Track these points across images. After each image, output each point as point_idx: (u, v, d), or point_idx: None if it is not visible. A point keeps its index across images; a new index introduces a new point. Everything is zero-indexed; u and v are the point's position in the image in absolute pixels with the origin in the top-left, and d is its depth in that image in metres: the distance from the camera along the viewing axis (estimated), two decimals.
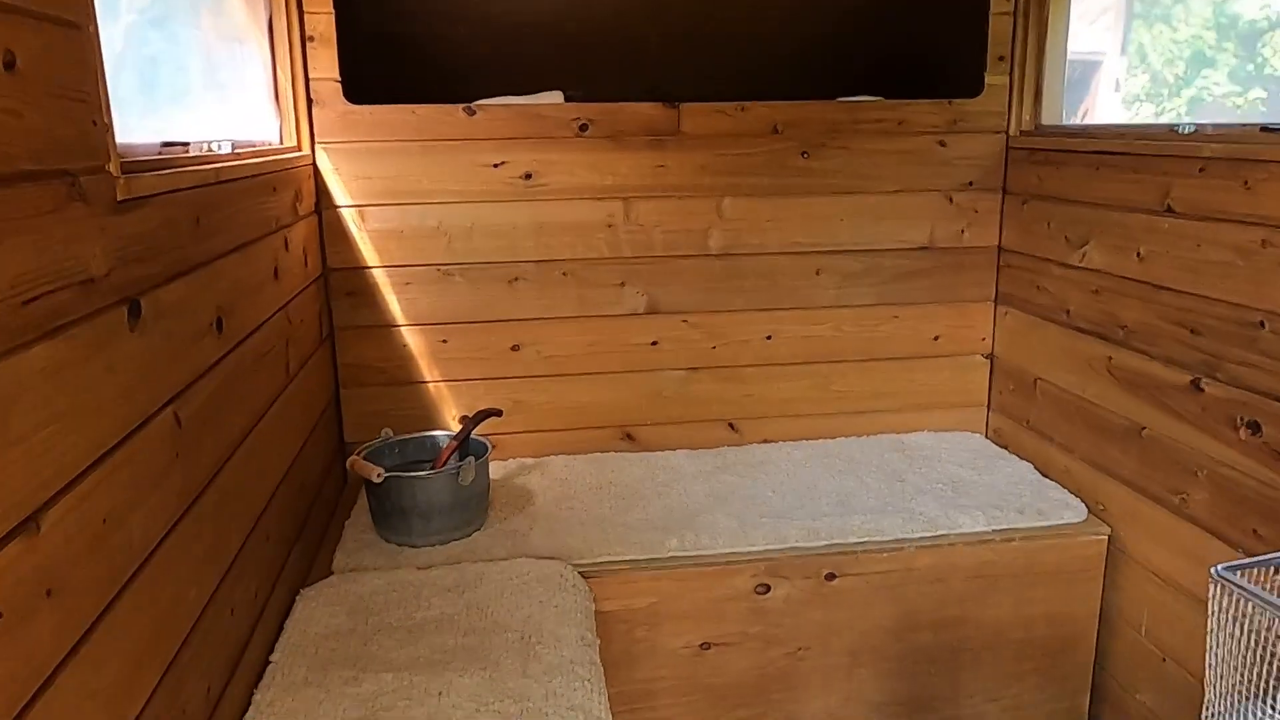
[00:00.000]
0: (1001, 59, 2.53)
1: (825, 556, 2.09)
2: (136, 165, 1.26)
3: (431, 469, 2.17)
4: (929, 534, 2.14)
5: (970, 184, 2.60)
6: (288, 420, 1.94)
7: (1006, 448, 2.61)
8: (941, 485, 2.35)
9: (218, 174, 1.53)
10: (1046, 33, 2.47)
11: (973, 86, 2.56)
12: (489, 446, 2.20)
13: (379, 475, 1.98)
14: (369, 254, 2.41)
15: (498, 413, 2.31)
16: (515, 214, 2.44)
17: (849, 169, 2.54)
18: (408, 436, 2.30)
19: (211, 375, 1.43)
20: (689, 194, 2.50)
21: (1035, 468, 2.45)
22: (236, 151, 1.74)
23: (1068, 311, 2.34)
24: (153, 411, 1.20)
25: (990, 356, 2.72)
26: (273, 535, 1.76)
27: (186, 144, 1.56)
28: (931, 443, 2.65)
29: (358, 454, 2.14)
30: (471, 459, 2.06)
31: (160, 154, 1.44)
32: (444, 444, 2.28)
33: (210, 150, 1.68)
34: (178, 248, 1.33)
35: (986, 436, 2.73)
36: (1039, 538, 2.16)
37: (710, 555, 2.07)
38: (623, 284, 2.53)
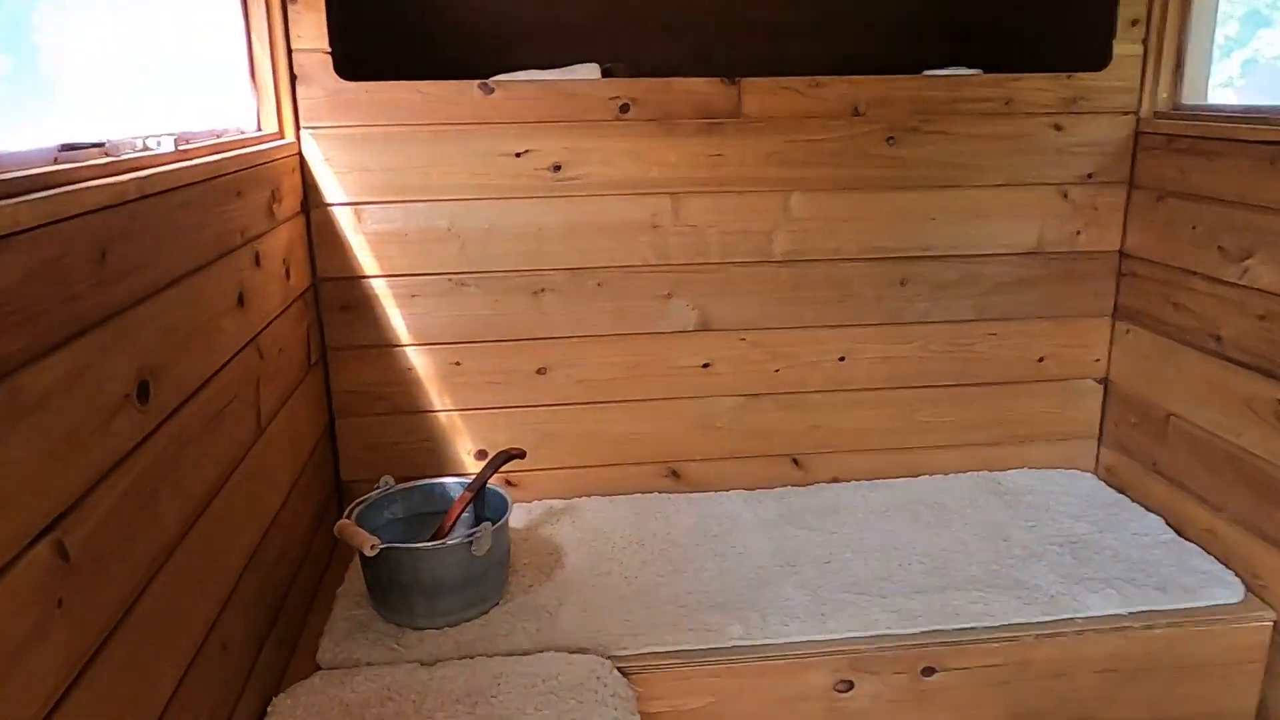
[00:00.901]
0: (1135, 23, 2.07)
1: (922, 647, 1.69)
2: None
3: (438, 530, 1.79)
4: (1049, 618, 1.73)
5: (1089, 176, 2.15)
6: (259, 480, 1.56)
7: (1125, 492, 2.19)
8: (1057, 547, 1.93)
9: (141, 186, 1.13)
10: None
11: (1097, 57, 2.10)
12: (509, 503, 1.80)
13: (372, 548, 1.60)
14: (367, 261, 2.01)
15: (520, 454, 1.92)
16: (542, 212, 2.03)
17: (944, 158, 2.10)
18: (412, 484, 1.91)
19: (126, 468, 1.05)
20: (750, 188, 2.07)
21: (1167, 523, 2.02)
22: (182, 149, 1.34)
23: (1218, 337, 1.90)
24: (10, 556, 0.82)
25: (1105, 381, 2.28)
26: (234, 641, 1.38)
27: (101, 144, 1.16)
28: (1034, 484, 2.23)
29: (349, 514, 1.76)
30: (488, 524, 1.67)
31: (54, 163, 1.04)
32: (455, 493, 1.90)
33: (145, 149, 1.29)
34: (66, 300, 0.94)
35: (1097, 475, 2.30)
36: (1186, 622, 1.74)
37: (781, 645, 1.68)
38: (669, 296, 2.11)
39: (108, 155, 1.17)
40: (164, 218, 1.20)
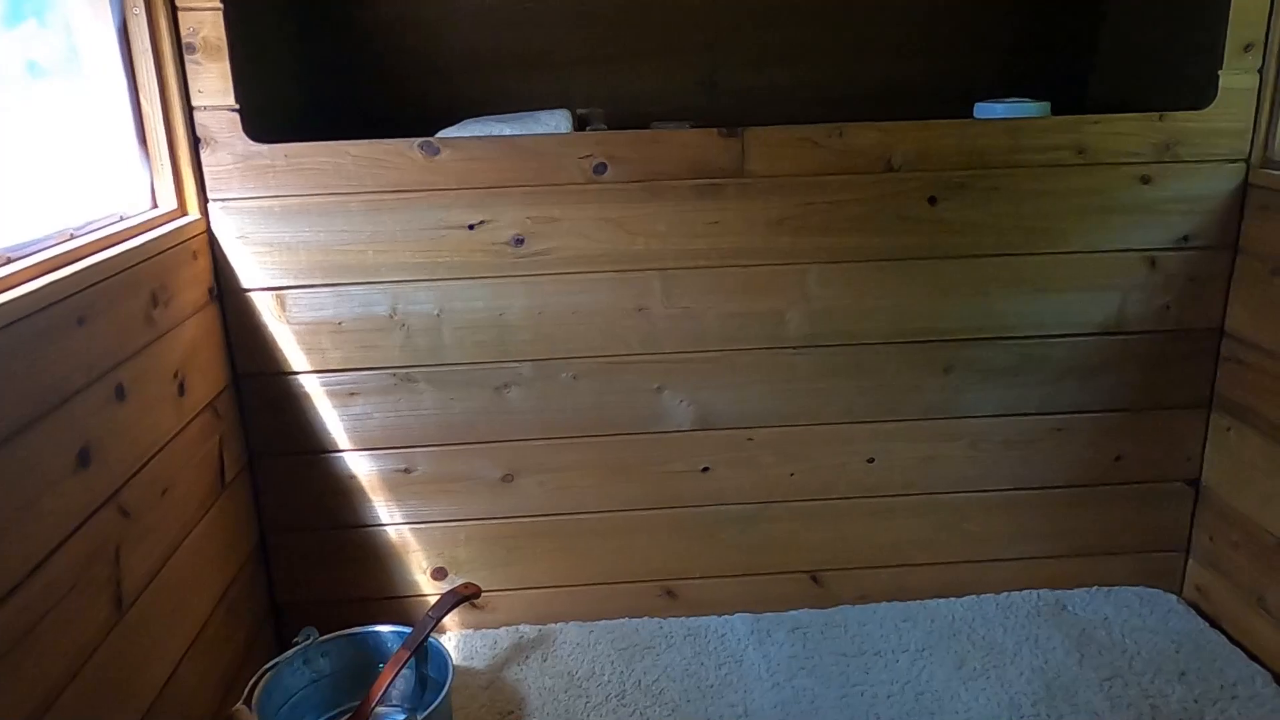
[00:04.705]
0: (1250, 48, 1.64)
1: None
2: None
3: (361, 705, 1.47)
4: None
5: (1185, 239, 1.73)
6: (127, 667, 1.24)
7: (1219, 624, 1.79)
8: (1138, 714, 1.55)
9: None
10: None
11: (1198, 92, 1.68)
12: (450, 669, 1.47)
13: None
14: (294, 355, 1.68)
15: (474, 594, 1.60)
16: (502, 295, 1.68)
17: (999, 221, 1.70)
18: (340, 634, 1.59)
19: None
20: (758, 261, 1.70)
21: (1276, 679, 1.63)
22: None
23: None
24: None
25: (1196, 485, 1.87)
26: None
27: None
28: (1108, 611, 1.84)
29: (255, 683, 1.44)
30: (415, 714, 1.35)
31: None
32: (393, 644, 1.58)
33: None
34: None
35: (1182, 598, 1.90)
36: None
37: None
38: (660, 389, 1.75)
39: None
40: None
